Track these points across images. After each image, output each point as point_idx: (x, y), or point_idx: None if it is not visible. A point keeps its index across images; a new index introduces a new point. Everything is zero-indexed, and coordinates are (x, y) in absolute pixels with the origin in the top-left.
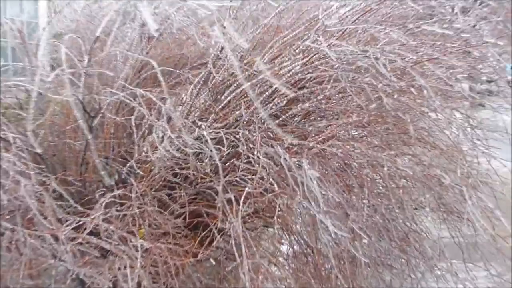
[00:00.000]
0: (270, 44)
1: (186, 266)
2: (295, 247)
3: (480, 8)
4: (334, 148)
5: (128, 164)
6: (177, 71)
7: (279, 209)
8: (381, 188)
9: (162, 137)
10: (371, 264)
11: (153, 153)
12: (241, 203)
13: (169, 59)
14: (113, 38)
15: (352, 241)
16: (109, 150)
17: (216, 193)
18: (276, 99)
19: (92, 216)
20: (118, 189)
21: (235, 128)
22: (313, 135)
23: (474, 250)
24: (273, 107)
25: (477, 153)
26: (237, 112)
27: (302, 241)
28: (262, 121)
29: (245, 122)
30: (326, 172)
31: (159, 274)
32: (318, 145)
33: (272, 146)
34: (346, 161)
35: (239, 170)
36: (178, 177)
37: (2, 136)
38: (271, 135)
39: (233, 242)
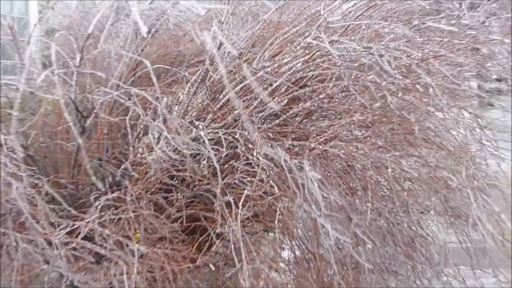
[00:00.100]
0: (270, 41)
1: (184, 272)
2: (297, 252)
3: (489, 3)
4: (337, 149)
5: (122, 166)
6: (174, 69)
7: (280, 212)
8: (385, 190)
9: (158, 138)
10: (375, 270)
11: (148, 155)
12: (240, 207)
13: (165, 57)
14: (107, 34)
15: (355, 246)
16: (103, 151)
17: (214, 196)
18: (277, 98)
19: (87, 220)
20: (112, 192)
21: (234, 128)
22: (315, 135)
23: (482, 255)
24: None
25: (486, 155)
26: (236, 112)
27: (303, 246)
28: (262, 120)
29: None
30: (328, 174)
31: (156, 280)
32: (320, 146)
33: (272, 147)
34: (349, 163)
35: (238, 172)
36: (174, 179)
37: None
38: (271, 136)
39: (233, 247)
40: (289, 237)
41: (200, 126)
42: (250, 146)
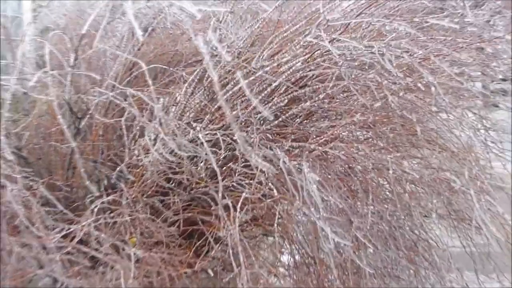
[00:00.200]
0: (270, 40)
1: (182, 277)
2: (297, 256)
3: (494, 1)
4: (337, 150)
5: (118, 168)
6: (171, 68)
7: (279, 216)
8: (387, 193)
9: (155, 140)
10: (376, 275)
11: (145, 157)
12: (238, 210)
13: (163, 56)
14: (103, 33)
15: (356, 250)
16: (98, 153)
17: (212, 199)
18: (276, 98)
19: (83, 224)
20: (107, 195)
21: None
22: (315, 136)
23: (487, 260)
24: (273, 106)
25: (491, 156)
26: (234, 113)
27: (303, 250)
28: (261, 121)
29: (242, 123)
30: (329, 176)
31: (153, 285)
32: (320, 147)
33: (271, 149)
34: (350, 164)
35: (236, 174)
36: (171, 182)
37: None
38: (270, 137)
39: (231, 251)
40: (288, 241)
41: (198, 128)
42: (249, 147)
